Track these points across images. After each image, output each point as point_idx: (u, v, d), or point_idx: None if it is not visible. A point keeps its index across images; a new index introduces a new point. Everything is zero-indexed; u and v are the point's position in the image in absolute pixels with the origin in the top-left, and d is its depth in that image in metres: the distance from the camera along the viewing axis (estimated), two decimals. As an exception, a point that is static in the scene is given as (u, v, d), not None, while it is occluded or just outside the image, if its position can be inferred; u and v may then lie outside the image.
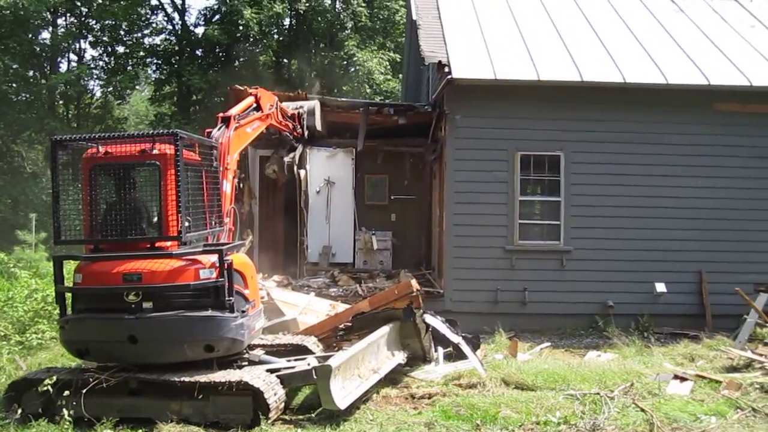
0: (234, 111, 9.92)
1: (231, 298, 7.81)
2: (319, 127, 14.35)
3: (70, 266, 9.07)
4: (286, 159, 14.25)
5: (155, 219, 7.93)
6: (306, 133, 13.89)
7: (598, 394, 8.38)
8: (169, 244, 7.80)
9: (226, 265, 7.78)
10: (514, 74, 13.65)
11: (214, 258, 7.82)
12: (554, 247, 13.74)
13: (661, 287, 13.46)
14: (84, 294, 8.01)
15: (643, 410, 7.78)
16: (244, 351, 8.60)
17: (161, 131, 8.06)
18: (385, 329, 9.32)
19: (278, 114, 12.22)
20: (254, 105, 10.91)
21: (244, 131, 10.12)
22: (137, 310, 7.61)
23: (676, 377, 9.15)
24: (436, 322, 10.73)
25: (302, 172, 15.62)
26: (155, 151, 7.78)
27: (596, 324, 13.35)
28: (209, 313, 7.71)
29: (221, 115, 9.62)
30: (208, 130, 9.35)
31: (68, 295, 8.19)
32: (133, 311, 7.61)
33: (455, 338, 10.66)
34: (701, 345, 11.74)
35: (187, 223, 7.76)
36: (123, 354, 7.83)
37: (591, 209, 13.67)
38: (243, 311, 8.09)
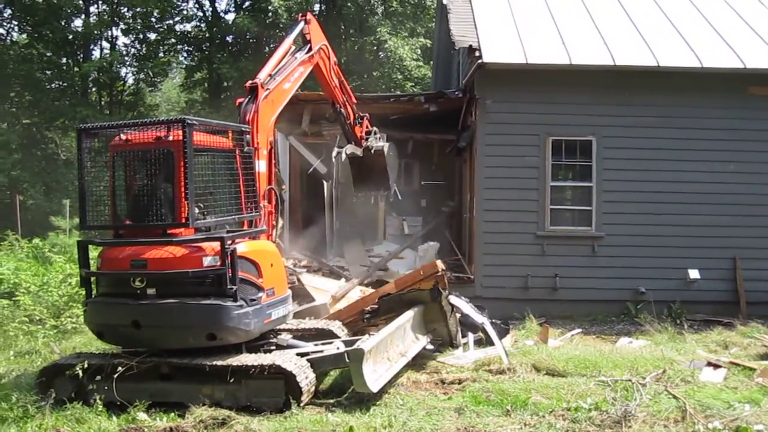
0: (263, 74, 9.08)
1: (233, 286, 7.67)
2: (388, 163, 12.42)
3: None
4: (335, 151, 13.92)
5: (167, 205, 7.90)
6: (367, 145, 12.10)
7: (630, 380, 8.29)
8: (182, 230, 7.80)
9: (228, 253, 7.64)
10: (546, 58, 13.53)
11: (218, 245, 7.73)
12: (586, 233, 13.63)
13: (694, 273, 13.31)
14: (102, 278, 8.20)
15: (675, 397, 7.70)
16: (271, 336, 8.65)
17: (170, 117, 8.04)
18: (410, 313, 9.34)
19: (329, 69, 10.91)
20: (293, 48, 9.95)
21: (280, 91, 9.30)
22: (142, 296, 7.68)
23: (709, 364, 9.05)
24: (461, 303, 10.73)
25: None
26: (170, 138, 7.75)
27: (628, 310, 13.25)
28: (210, 301, 7.66)
29: (248, 83, 8.89)
30: (239, 100, 8.96)
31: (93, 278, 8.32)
32: (138, 297, 7.68)
33: (480, 318, 10.65)
34: (735, 332, 11.62)
35: (197, 210, 7.71)
36: (130, 338, 7.95)
37: (623, 194, 13.53)
38: (252, 300, 7.97)
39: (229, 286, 7.65)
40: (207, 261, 7.70)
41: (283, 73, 9.39)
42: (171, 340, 7.85)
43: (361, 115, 12.12)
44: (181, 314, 7.63)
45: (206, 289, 7.73)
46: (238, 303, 7.72)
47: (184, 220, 7.64)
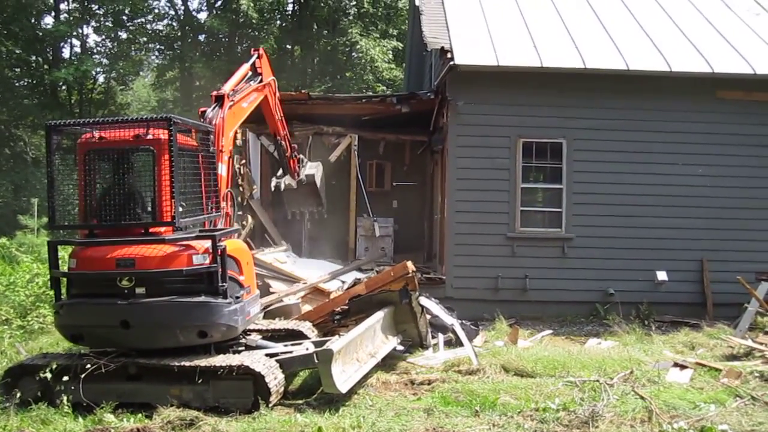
0: (227, 87, 9.57)
1: (224, 284, 7.76)
2: (318, 183, 14.00)
3: (67, 251, 9.08)
4: (273, 181, 14.21)
5: (149, 204, 7.90)
6: (300, 178, 13.41)
7: (598, 381, 8.35)
8: (163, 229, 7.77)
9: (219, 250, 7.73)
10: (517, 61, 13.58)
11: (208, 243, 7.78)
12: (556, 235, 13.71)
13: (662, 275, 13.43)
14: (78, 279, 8.03)
15: (642, 398, 7.77)
16: (241, 336, 8.61)
17: (155, 116, 8.01)
18: (380, 314, 9.35)
19: (275, 104, 11.68)
20: (249, 74, 10.59)
21: (240, 107, 9.83)
22: (130, 296, 7.61)
23: (675, 365, 9.14)
24: (431, 304, 10.77)
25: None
26: (149, 137, 7.73)
27: (597, 312, 13.33)
28: (202, 299, 7.69)
29: (215, 93, 9.33)
30: (202, 109, 9.16)
31: (63, 279, 8.17)
32: (126, 296, 7.61)
33: (449, 320, 10.70)
34: (702, 333, 11.72)
35: (181, 209, 7.70)
36: (116, 339, 7.85)
37: (593, 197, 13.62)
38: (237, 297, 8.06)
39: (220, 284, 7.72)
40: (197, 259, 7.74)
41: (242, 93, 9.89)
42: (161, 339, 7.80)
43: (297, 151, 13.13)
44: (173, 313, 7.62)
45: (196, 287, 7.76)
46: (227, 300, 7.79)
47: (170, 219, 7.62)
